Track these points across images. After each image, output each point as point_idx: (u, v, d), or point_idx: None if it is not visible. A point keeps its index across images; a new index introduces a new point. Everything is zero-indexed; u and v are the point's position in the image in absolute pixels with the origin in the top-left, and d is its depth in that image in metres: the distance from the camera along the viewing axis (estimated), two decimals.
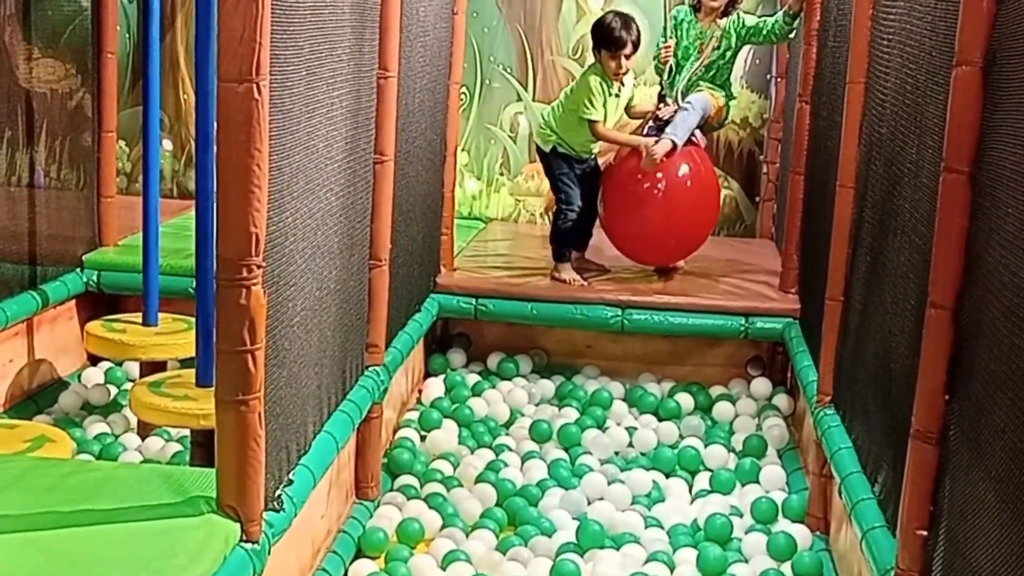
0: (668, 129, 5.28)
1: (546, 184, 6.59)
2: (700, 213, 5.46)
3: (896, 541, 2.71)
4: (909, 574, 2.61)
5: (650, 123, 5.41)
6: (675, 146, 5.24)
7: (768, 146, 6.46)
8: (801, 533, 3.94)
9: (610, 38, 5.20)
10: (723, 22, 5.34)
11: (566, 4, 6.65)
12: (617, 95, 5.33)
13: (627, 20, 5.24)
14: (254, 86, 2.51)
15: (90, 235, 5.28)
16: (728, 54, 5.40)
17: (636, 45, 5.22)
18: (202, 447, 3.66)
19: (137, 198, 4.53)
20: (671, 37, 5.40)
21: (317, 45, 3.05)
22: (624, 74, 5.28)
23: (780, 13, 5.31)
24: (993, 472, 2.14)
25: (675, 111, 5.33)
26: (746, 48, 6.37)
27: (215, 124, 2.69)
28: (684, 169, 5.35)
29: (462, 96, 6.00)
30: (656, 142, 5.22)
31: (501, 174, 6.80)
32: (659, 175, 5.30)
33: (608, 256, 5.71)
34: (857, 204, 3.76)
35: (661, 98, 5.41)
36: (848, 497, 3.27)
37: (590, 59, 6.62)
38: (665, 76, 5.43)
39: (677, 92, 5.38)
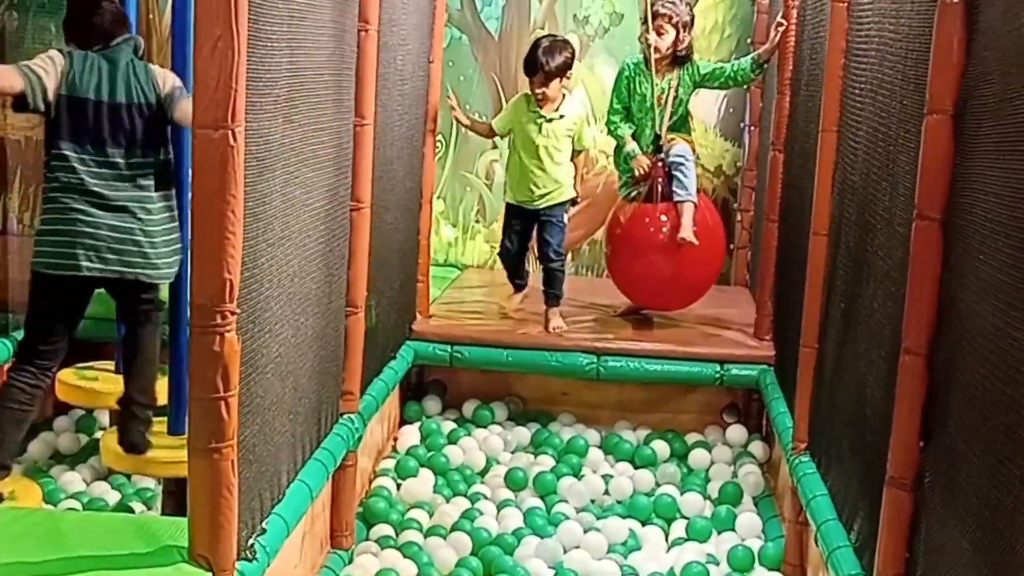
0: (679, 192, 5.27)
1: None
2: (708, 258, 5.46)
3: None
4: None
5: (660, 179, 5.36)
6: (695, 206, 5.28)
7: (742, 194, 6.51)
8: None
9: (526, 61, 5.23)
10: (677, 72, 5.37)
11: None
12: (548, 119, 5.25)
13: (554, 46, 5.17)
14: (229, 132, 2.51)
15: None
16: (686, 100, 5.44)
17: (553, 73, 5.13)
18: (173, 495, 3.63)
19: None
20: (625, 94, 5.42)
21: (294, 92, 3.06)
22: (543, 99, 5.21)
23: (748, 59, 5.35)
24: (968, 519, 2.14)
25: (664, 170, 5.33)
26: (720, 96, 6.46)
27: (190, 170, 2.69)
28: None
29: (438, 144, 6.02)
30: (677, 213, 5.24)
31: (477, 221, 6.82)
32: (663, 218, 5.32)
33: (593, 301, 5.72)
34: (831, 251, 3.78)
35: (658, 149, 5.39)
36: (824, 544, 3.26)
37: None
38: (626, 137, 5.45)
39: (650, 143, 5.38)
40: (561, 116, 5.27)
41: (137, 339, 3.69)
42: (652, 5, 5.24)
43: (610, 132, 5.53)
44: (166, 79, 3.57)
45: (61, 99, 3.45)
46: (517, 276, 5.60)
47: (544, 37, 5.34)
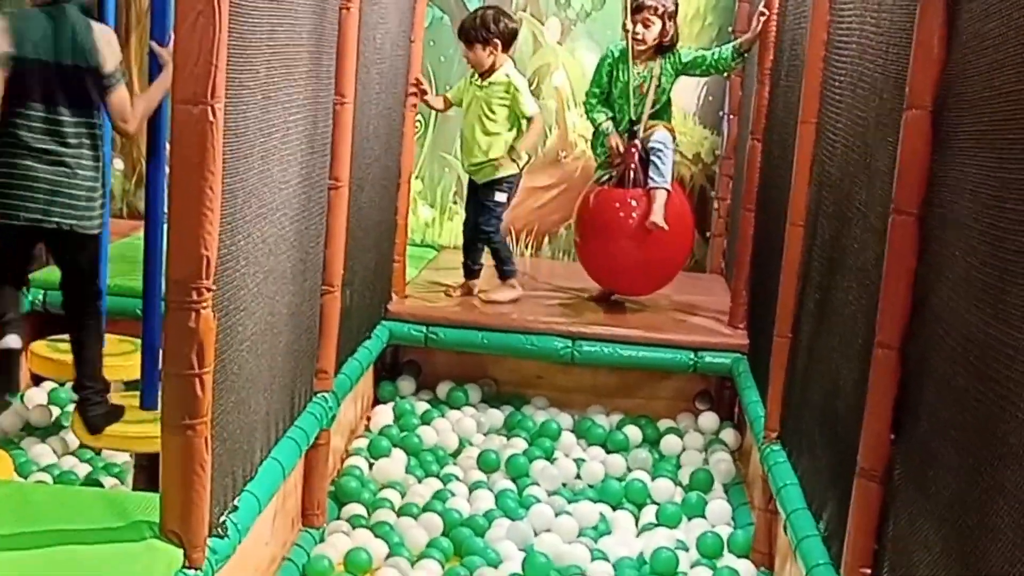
0: (655, 177, 5.29)
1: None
2: (677, 243, 5.47)
3: None
4: None
5: (632, 167, 5.38)
6: (669, 194, 5.30)
7: (719, 182, 6.52)
8: (746, 568, 3.95)
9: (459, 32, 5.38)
10: (658, 61, 5.38)
11: (522, 36, 6.65)
12: (480, 86, 5.35)
13: (477, 14, 5.33)
14: (209, 108, 2.50)
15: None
16: (668, 89, 5.45)
17: (470, 39, 5.26)
18: (145, 470, 3.62)
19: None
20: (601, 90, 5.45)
21: (274, 69, 3.05)
22: (471, 65, 5.35)
23: (729, 47, 5.36)
24: (937, 512, 2.16)
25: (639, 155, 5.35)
26: (699, 84, 6.46)
27: (167, 145, 2.68)
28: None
29: (417, 123, 6.00)
30: (649, 199, 5.26)
31: (454, 202, 6.80)
32: (633, 203, 5.33)
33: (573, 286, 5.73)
34: (807, 242, 3.80)
35: (633, 134, 5.41)
36: (793, 533, 3.28)
37: (545, 91, 6.69)
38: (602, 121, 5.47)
39: (638, 128, 5.40)
40: (491, 83, 5.33)
41: (83, 332, 3.76)
42: None
43: (586, 113, 5.56)
44: (107, 58, 3.56)
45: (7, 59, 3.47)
46: (469, 257, 5.62)
47: (483, 7, 5.44)
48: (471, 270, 5.62)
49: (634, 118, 5.38)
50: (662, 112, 5.47)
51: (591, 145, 5.73)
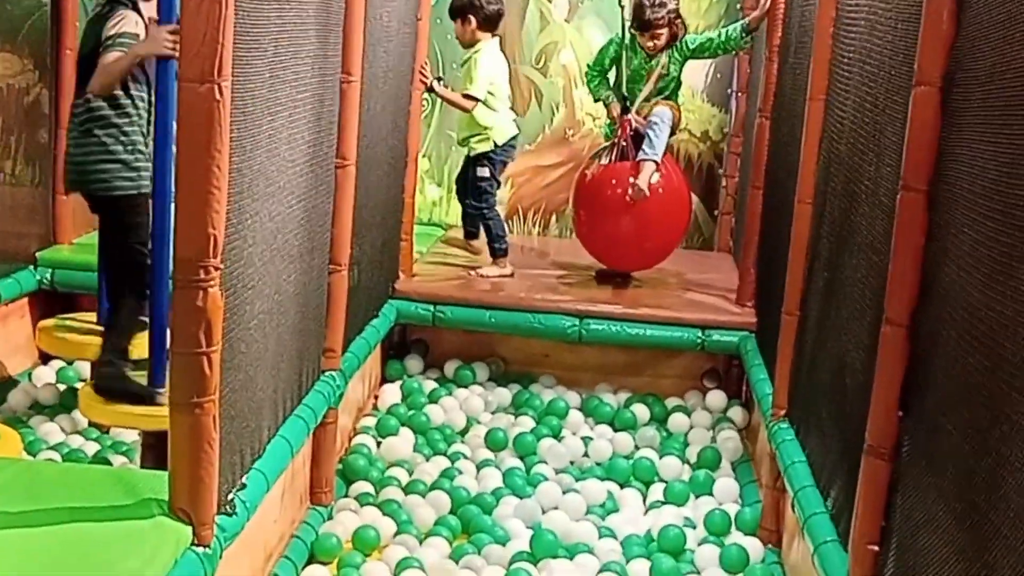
0: (646, 149, 5.31)
1: (506, 192, 6.62)
2: (672, 219, 5.49)
3: (848, 555, 2.73)
4: None
5: (623, 143, 5.40)
6: (657, 166, 5.30)
7: (728, 160, 6.50)
8: (753, 546, 3.96)
9: None
10: (667, 51, 5.41)
11: (530, 13, 6.66)
12: (460, 62, 5.67)
13: None
14: (216, 87, 2.49)
15: (44, 232, 5.23)
16: (676, 73, 5.46)
17: (456, 15, 5.53)
18: (153, 449, 3.63)
19: None
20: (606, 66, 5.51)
21: (280, 48, 3.04)
22: (460, 42, 5.63)
23: (738, 26, 5.35)
24: (945, 489, 2.17)
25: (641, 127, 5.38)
26: (707, 62, 6.43)
27: (175, 124, 2.67)
28: (656, 177, 5.38)
29: (424, 102, 5.99)
30: (638, 171, 5.28)
31: None
32: (623, 178, 5.35)
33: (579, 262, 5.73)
34: (815, 220, 3.79)
35: (625, 110, 5.43)
36: (801, 511, 3.29)
37: (552, 69, 6.67)
38: (611, 97, 5.51)
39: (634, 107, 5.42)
40: (464, 59, 5.58)
41: (117, 300, 3.95)
42: (644, 14, 5.28)
43: (588, 86, 5.69)
44: (111, 25, 3.73)
45: None
46: (465, 225, 6.00)
47: None
48: (468, 232, 5.95)
49: (626, 95, 5.43)
50: (671, 94, 5.49)
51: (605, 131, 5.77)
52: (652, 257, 5.62)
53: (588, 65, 5.65)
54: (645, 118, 5.40)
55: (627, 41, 5.41)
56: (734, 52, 5.72)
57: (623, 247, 5.52)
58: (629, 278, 5.71)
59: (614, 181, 5.39)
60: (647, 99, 5.44)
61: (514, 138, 5.71)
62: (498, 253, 5.63)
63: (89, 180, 3.88)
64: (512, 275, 5.60)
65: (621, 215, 5.37)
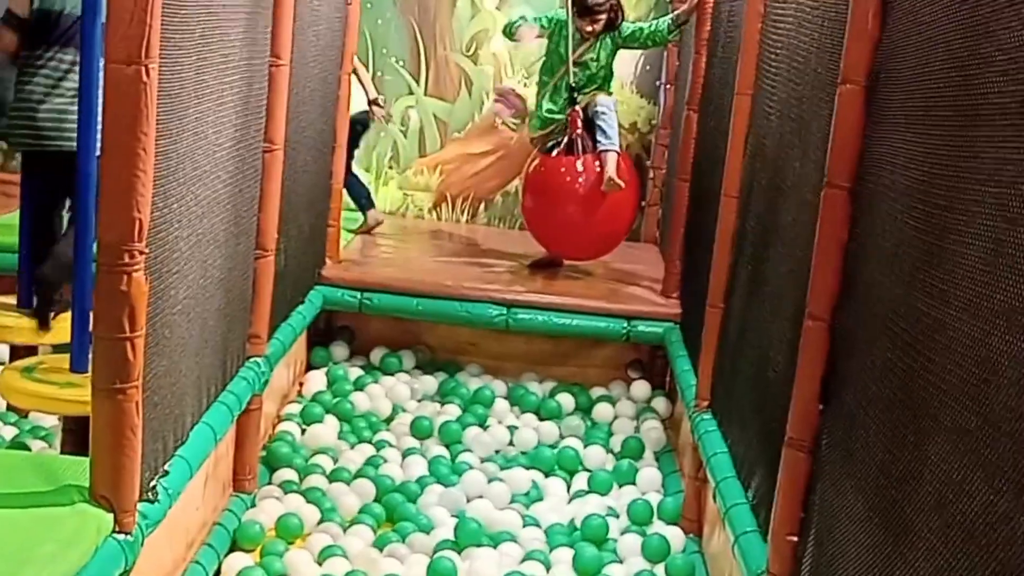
0: (603, 141, 5.35)
1: (434, 179, 6.62)
2: (625, 208, 5.53)
3: (767, 546, 2.77)
4: None
5: (578, 132, 5.42)
6: (619, 155, 5.35)
7: (655, 152, 6.56)
8: (675, 535, 4.00)
9: None
10: (601, 37, 5.43)
11: (461, 1, 6.65)
12: None
13: None
14: (143, 68, 2.46)
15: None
16: (606, 61, 5.48)
17: None
18: (73, 434, 3.57)
19: (14, 175, 4.40)
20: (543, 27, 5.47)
21: (209, 29, 3.00)
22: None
23: (667, 19, 5.39)
24: (862, 482, 2.21)
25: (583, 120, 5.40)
26: (637, 53, 6.47)
27: (100, 105, 2.63)
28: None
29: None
30: (606, 168, 5.31)
31: (390, 167, 6.78)
32: (580, 169, 5.37)
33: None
34: (740, 214, 3.83)
35: (572, 101, 5.43)
36: (722, 501, 3.33)
37: (483, 56, 6.67)
38: (542, 85, 5.51)
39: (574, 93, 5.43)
40: None
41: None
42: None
43: (539, 102, 5.60)
44: None
45: None
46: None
47: None
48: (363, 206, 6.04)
49: (573, 85, 5.41)
50: (603, 83, 5.51)
51: (528, 120, 5.73)
52: (608, 245, 5.65)
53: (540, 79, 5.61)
54: (584, 109, 5.42)
55: (560, 25, 5.41)
56: (663, 45, 5.76)
57: (580, 237, 5.54)
58: (557, 268, 5.73)
59: (568, 171, 5.42)
60: (580, 88, 5.44)
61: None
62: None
63: (66, 133, 3.80)
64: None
65: (578, 205, 5.41)
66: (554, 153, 5.48)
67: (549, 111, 5.51)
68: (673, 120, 6.17)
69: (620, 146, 5.47)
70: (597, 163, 5.37)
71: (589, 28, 5.36)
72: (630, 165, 5.64)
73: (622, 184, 5.30)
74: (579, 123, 5.40)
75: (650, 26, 5.44)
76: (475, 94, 6.72)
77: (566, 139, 5.44)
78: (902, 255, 2.12)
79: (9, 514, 2.56)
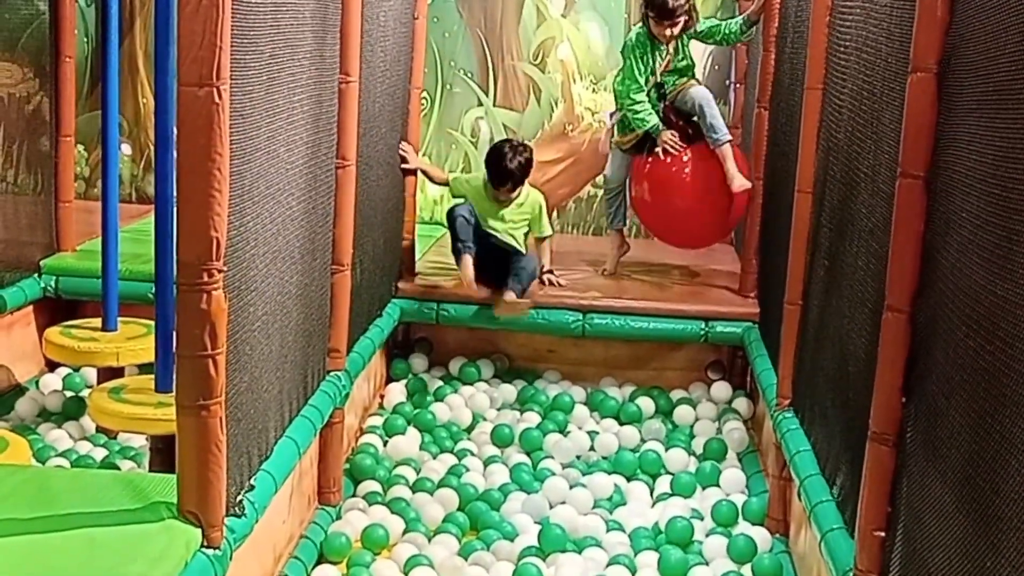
0: (713, 135, 5.28)
1: None
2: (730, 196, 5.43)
3: (854, 542, 2.73)
4: (867, 575, 2.63)
5: (680, 123, 5.42)
6: (731, 143, 5.31)
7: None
8: (761, 535, 3.97)
9: (497, 172, 5.21)
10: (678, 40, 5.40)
11: (527, 10, 6.67)
12: (505, 205, 5.32)
13: (516, 151, 5.25)
14: (214, 90, 2.51)
15: (48, 240, 5.24)
16: (687, 52, 5.46)
17: (518, 182, 5.25)
18: (161, 453, 3.64)
19: (95, 203, 4.50)
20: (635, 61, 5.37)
21: (278, 49, 3.05)
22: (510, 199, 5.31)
23: (739, 20, 5.36)
24: (948, 474, 2.17)
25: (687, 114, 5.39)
26: (705, 53, 6.44)
27: (175, 128, 2.68)
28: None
29: (423, 101, 6.01)
30: (727, 169, 5.24)
31: None
32: (686, 158, 5.37)
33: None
34: (815, 209, 3.80)
35: (662, 96, 5.42)
36: (807, 499, 3.29)
37: (550, 64, 6.68)
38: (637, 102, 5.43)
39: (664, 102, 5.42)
40: (520, 205, 5.35)
41: None
42: (666, 2, 5.23)
43: (634, 115, 5.40)
44: None
45: None
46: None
47: (503, 143, 5.33)
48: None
49: (659, 80, 5.39)
50: (689, 72, 5.48)
51: (617, 128, 5.63)
52: (715, 234, 5.62)
53: (629, 88, 5.37)
54: (673, 103, 5.40)
55: (643, 38, 5.37)
56: (733, 44, 5.70)
57: (700, 227, 5.52)
58: (630, 272, 5.71)
59: (668, 161, 5.38)
60: (672, 84, 5.41)
61: None
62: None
63: None
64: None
65: (695, 195, 5.38)
66: (657, 150, 5.42)
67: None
68: (744, 119, 6.13)
69: (728, 130, 5.36)
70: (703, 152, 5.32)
71: (668, 32, 5.30)
72: (739, 153, 5.59)
73: (749, 185, 5.22)
74: (672, 118, 5.37)
75: (724, 26, 5.39)
76: (544, 102, 6.73)
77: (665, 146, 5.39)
78: (980, 240, 2.09)
79: (100, 532, 2.61)
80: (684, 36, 5.39)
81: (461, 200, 5.36)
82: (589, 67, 6.68)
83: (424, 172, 5.46)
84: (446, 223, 5.34)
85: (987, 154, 2.10)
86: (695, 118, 5.37)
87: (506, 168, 5.20)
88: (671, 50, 5.38)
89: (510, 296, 5.15)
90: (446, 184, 5.49)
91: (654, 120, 5.38)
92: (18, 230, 5.06)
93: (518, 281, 5.17)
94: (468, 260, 5.14)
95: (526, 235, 5.40)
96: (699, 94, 5.36)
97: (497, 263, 5.22)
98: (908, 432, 2.52)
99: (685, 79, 5.45)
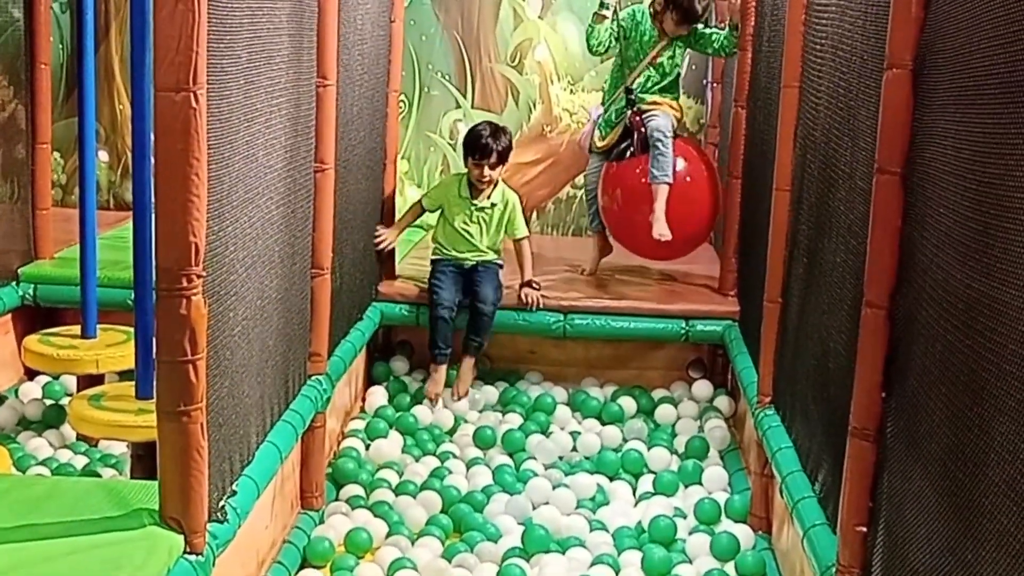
0: (655, 173, 5.23)
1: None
2: (702, 205, 5.46)
3: (837, 538, 2.75)
4: (850, 570, 2.64)
5: (627, 143, 5.40)
6: (670, 186, 5.23)
7: (705, 151, 6.52)
8: (744, 533, 3.98)
9: (475, 145, 5.11)
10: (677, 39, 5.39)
11: (503, 11, 6.68)
12: (479, 209, 5.19)
13: (497, 130, 5.14)
14: (191, 95, 2.50)
15: (25, 248, 5.21)
16: (679, 61, 5.44)
17: (502, 156, 5.11)
18: (142, 460, 3.62)
19: (73, 210, 4.48)
20: (620, 28, 5.33)
21: (255, 53, 3.04)
22: (487, 183, 5.14)
23: (726, 28, 5.33)
24: (929, 467, 2.19)
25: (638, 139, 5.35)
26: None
27: (152, 134, 2.68)
28: (680, 164, 5.36)
29: (401, 104, 6.00)
30: (654, 210, 5.20)
31: None
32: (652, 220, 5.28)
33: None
34: (793, 207, 3.81)
35: (631, 103, 5.38)
36: (789, 496, 3.31)
37: (528, 66, 6.69)
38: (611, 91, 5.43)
39: (629, 85, 5.37)
40: (493, 204, 5.21)
41: None
42: (694, 4, 5.22)
43: (590, 34, 5.35)
44: None
45: None
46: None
47: (482, 123, 5.26)
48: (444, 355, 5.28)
49: (631, 87, 5.36)
50: (671, 86, 5.45)
51: (599, 128, 5.59)
52: (686, 245, 5.53)
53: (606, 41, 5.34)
54: (641, 116, 5.35)
55: (648, 24, 5.34)
56: (726, 56, 5.51)
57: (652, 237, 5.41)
58: (612, 273, 5.72)
59: (637, 172, 5.36)
60: (649, 89, 5.40)
61: None
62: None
63: None
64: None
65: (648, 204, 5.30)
66: (625, 157, 5.41)
67: (607, 120, 5.46)
68: (722, 118, 6.15)
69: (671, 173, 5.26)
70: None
71: (679, 30, 5.30)
72: (701, 158, 5.56)
73: (668, 236, 5.16)
74: (641, 126, 5.32)
75: (717, 35, 5.35)
76: (522, 104, 6.74)
77: (628, 143, 5.39)
78: (957, 237, 2.10)
79: (82, 540, 2.60)
80: (681, 43, 5.37)
81: (438, 252, 5.28)
82: (567, 68, 6.69)
83: (405, 227, 5.39)
84: (428, 305, 5.21)
85: (963, 149, 2.12)
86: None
87: (484, 141, 5.08)
88: (666, 52, 5.35)
89: (467, 363, 5.17)
90: (424, 210, 5.37)
91: (602, 38, 5.29)
92: None
93: (477, 333, 5.17)
94: (441, 372, 5.13)
95: (499, 240, 5.32)
96: (660, 125, 5.28)
97: (467, 276, 5.22)
98: (888, 427, 2.54)
99: (662, 99, 5.39)
